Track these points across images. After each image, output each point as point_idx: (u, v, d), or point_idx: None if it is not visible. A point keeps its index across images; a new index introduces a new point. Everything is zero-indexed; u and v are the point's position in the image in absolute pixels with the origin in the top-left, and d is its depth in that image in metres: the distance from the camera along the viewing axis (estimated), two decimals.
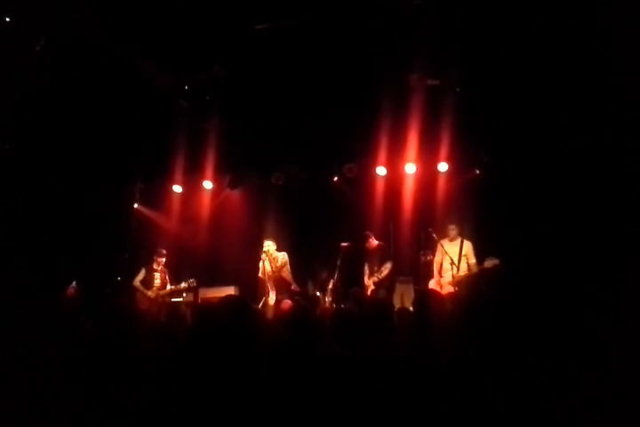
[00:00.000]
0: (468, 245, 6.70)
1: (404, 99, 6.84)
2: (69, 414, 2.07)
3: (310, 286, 7.71)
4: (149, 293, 7.51)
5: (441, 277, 6.77)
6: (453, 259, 6.51)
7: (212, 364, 2.20)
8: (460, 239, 6.72)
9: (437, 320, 2.42)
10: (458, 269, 6.48)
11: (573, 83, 5.84)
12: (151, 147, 7.71)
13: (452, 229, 6.80)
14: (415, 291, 6.93)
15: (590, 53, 5.54)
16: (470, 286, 6.37)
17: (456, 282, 6.49)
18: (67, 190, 7.73)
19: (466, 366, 2.02)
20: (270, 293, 7.07)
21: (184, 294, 7.84)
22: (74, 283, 7.06)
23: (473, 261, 6.59)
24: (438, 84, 6.60)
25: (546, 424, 1.84)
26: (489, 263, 6.32)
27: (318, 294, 7.14)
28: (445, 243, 6.80)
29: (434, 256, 6.98)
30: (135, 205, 8.88)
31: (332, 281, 7.10)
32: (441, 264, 6.81)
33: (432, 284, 6.76)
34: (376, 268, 7.08)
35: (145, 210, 8.90)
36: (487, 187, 7.04)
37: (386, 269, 7.00)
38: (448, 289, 6.45)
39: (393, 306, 3.42)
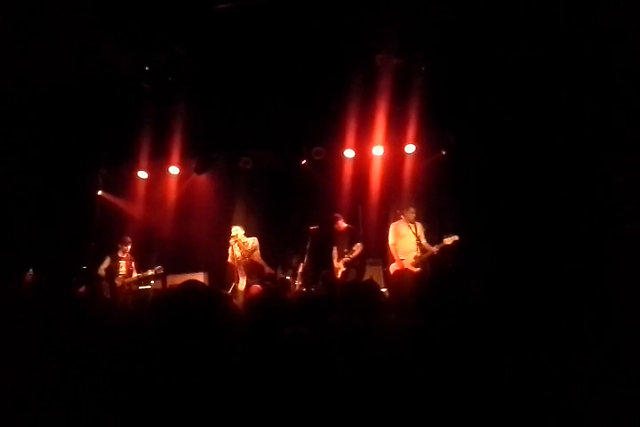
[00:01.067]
0: (420, 227, 6.75)
1: (371, 80, 6.79)
2: (34, 406, 2.01)
3: (280, 270, 7.70)
4: (115, 281, 7.40)
5: (402, 259, 6.81)
6: (412, 240, 6.58)
7: (177, 350, 2.16)
8: (414, 222, 6.74)
9: (409, 298, 2.42)
10: (419, 250, 6.55)
11: (541, 59, 5.86)
12: (114, 132, 7.51)
13: (412, 213, 6.80)
14: (385, 272, 6.99)
15: (555, 28, 5.56)
16: (434, 263, 6.47)
17: (419, 262, 6.56)
18: (28, 177, 7.49)
19: (435, 342, 2.02)
20: (240, 278, 7.04)
21: (152, 282, 7.75)
22: (30, 270, 6.91)
23: (424, 241, 6.65)
24: (404, 63, 6.57)
25: (513, 400, 1.86)
26: (449, 240, 6.44)
27: (288, 278, 7.14)
28: (401, 225, 6.84)
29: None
30: (99, 192, 8.68)
31: (301, 265, 7.11)
32: (396, 246, 6.85)
33: (394, 267, 6.78)
34: (346, 250, 7.11)
35: (109, 197, 8.70)
36: (453, 168, 7.09)
37: (357, 248, 7.03)
38: (413, 269, 6.51)
39: (364, 285, 3.42)
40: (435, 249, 6.53)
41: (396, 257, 6.83)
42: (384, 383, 1.88)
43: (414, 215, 6.80)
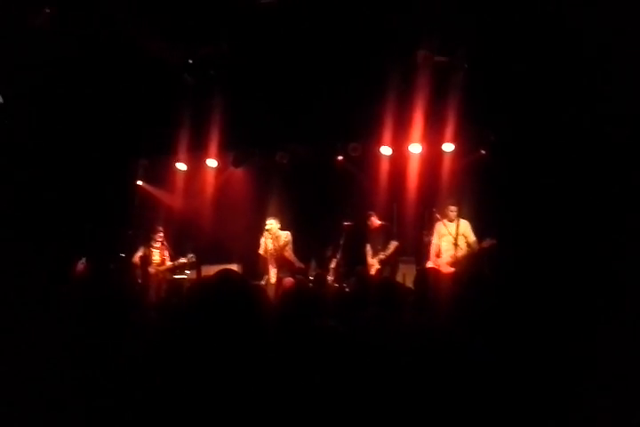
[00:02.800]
0: (465, 224, 6.66)
1: (411, 77, 6.74)
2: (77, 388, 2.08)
3: (313, 265, 7.73)
4: (149, 269, 7.57)
5: (438, 258, 6.75)
6: (450, 240, 6.51)
7: (210, 338, 2.20)
8: (457, 220, 6.67)
9: (436, 298, 2.41)
10: (456, 250, 6.48)
11: (584, 57, 5.72)
12: (155, 123, 7.65)
13: (452, 211, 6.74)
14: (417, 270, 6.94)
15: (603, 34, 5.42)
16: (469, 265, 6.39)
17: (455, 262, 6.50)
18: (72, 168, 7.71)
19: (464, 344, 2.01)
20: (271, 271, 7.10)
21: (187, 272, 7.89)
22: (83, 259, 7.10)
23: (473, 239, 6.58)
24: (446, 61, 6.49)
25: (543, 406, 1.84)
26: (486, 243, 6.36)
27: (321, 272, 7.16)
28: (445, 224, 6.78)
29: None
30: (139, 182, 8.87)
31: (334, 260, 7.13)
32: (439, 245, 6.81)
33: (429, 265, 6.75)
34: (380, 247, 7.10)
35: (148, 187, 8.90)
36: (492, 167, 6.97)
37: (392, 246, 7.01)
38: (447, 269, 6.45)
39: (395, 284, 3.42)
40: (470, 251, 6.45)
41: (432, 256, 6.79)
42: (406, 381, 1.88)
43: (454, 213, 6.72)
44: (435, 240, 6.89)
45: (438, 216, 6.83)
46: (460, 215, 6.74)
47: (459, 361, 1.86)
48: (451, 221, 6.74)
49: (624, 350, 1.94)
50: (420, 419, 1.78)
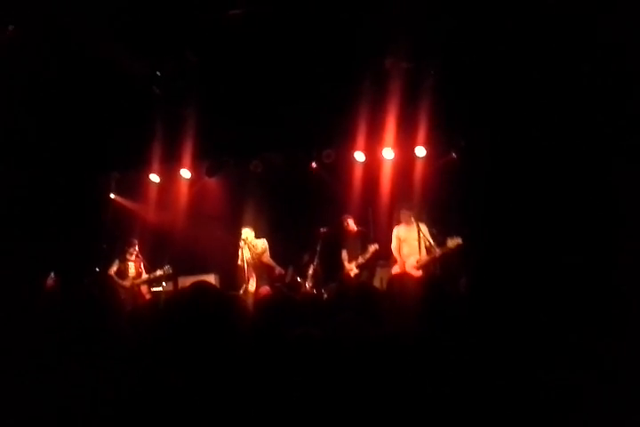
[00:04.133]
0: (423, 228, 6.74)
1: (381, 83, 6.82)
2: (50, 403, 2.06)
3: (290, 272, 7.74)
4: (125, 282, 7.49)
5: (404, 261, 6.81)
6: (414, 244, 6.59)
7: (187, 350, 2.20)
8: (415, 223, 6.73)
9: (406, 303, 2.45)
10: (420, 253, 6.55)
11: (553, 63, 5.85)
12: (126, 136, 7.60)
13: (405, 215, 6.84)
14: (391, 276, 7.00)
15: (570, 36, 5.55)
16: (436, 267, 6.47)
17: (421, 265, 6.57)
18: (43, 182, 7.60)
19: (433, 346, 2.05)
20: (251, 280, 7.09)
21: (164, 284, 7.83)
22: (52, 274, 7.00)
23: (428, 244, 6.64)
24: (413, 67, 6.59)
25: (511, 403, 1.87)
26: (452, 243, 6.39)
27: (299, 279, 7.17)
28: (402, 228, 6.87)
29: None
30: (112, 195, 8.78)
31: (312, 266, 7.15)
32: (399, 251, 6.85)
33: (395, 270, 6.81)
34: (358, 251, 7.14)
35: (122, 200, 8.81)
36: (463, 170, 7.08)
37: (371, 249, 7.05)
38: (415, 273, 6.52)
39: (374, 288, 3.44)
40: (437, 252, 6.52)
41: (398, 260, 6.86)
42: (388, 385, 1.90)
43: (409, 217, 6.80)
44: (394, 244, 6.97)
45: (412, 219, 6.88)
46: (420, 219, 6.80)
47: (430, 364, 1.89)
48: (408, 224, 6.80)
49: (602, 350, 1.98)
50: (399, 422, 1.81)
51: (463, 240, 6.37)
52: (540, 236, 5.69)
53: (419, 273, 6.50)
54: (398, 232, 6.93)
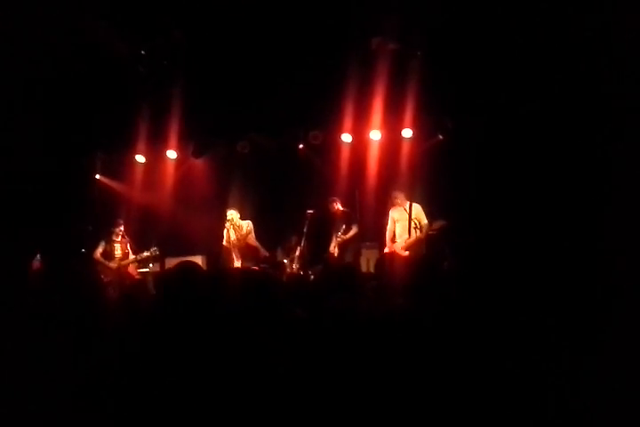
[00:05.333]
0: (417, 208, 6.79)
1: (369, 64, 6.77)
2: (39, 392, 2.07)
3: (279, 254, 7.76)
4: (111, 264, 7.47)
5: (393, 242, 6.88)
6: (405, 225, 6.65)
7: (175, 332, 2.21)
8: (407, 204, 6.78)
9: (394, 282, 2.48)
10: (409, 234, 6.62)
11: (540, 43, 5.84)
12: (112, 116, 7.50)
13: (396, 197, 6.92)
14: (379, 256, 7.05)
15: (560, 14, 5.53)
16: (422, 248, 6.55)
17: (408, 246, 6.63)
18: (26, 163, 7.49)
19: (422, 325, 2.08)
20: (236, 261, 7.12)
21: (150, 265, 7.82)
22: (38, 256, 6.95)
23: (424, 222, 6.71)
24: (400, 48, 6.55)
25: (498, 385, 1.91)
26: (436, 224, 6.51)
27: (285, 261, 7.20)
28: (395, 210, 6.93)
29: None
30: (97, 176, 8.70)
31: (299, 248, 7.18)
32: (393, 230, 6.93)
33: (387, 250, 6.88)
34: (341, 233, 7.19)
35: (107, 181, 8.73)
36: (450, 152, 7.10)
37: (352, 230, 7.07)
38: (402, 253, 6.58)
39: (356, 269, 3.48)
40: (421, 234, 6.58)
41: (387, 242, 6.91)
42: (376, 365, 1.93)
43: (400, 198, 6.88)
44: (389, 225, 7.03)
45: (398, 201, 6.95)
46: (411, 199, 6.86)
47: (418, 343, 1.92)
48: (398, 206, 6.87)
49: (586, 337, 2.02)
50: (390, 401, 1.84)
51: (448, 221, 6.43)
52: (526, 217, 5.75)
53: (405, 254, 6.56)
54: (393, 213, 6.97)
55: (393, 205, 6.99)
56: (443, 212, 6.75)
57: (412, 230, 6.61)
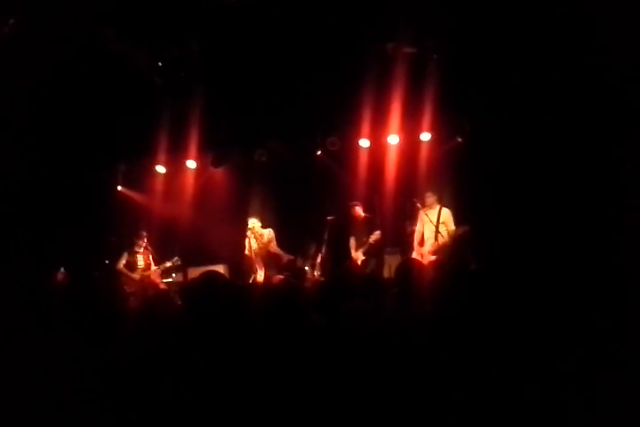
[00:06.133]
0: (445, 213, 6.73)
1: (385, 68, 6.75)
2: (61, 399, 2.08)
3: (300, 262, 7.75)
4: (134, 275, 7.54)
5: (421, 246, 6.81)
6: (432, 228, 6.59)
7: (200, 340, 2.21)
8: (437, 207, 6.72)
9: (418, 288, 2.44)
10: (436, 238, 6.54)
11: (560, 44, 5.76)
12: (131, 128, 7.59)
13: (429, 197, 6.86)
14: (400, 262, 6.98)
15: (580, 14, 5.45)
16: (448, 254, 6.47)
17: (435, 251, 6.56)
18: (49, 176, 7.62)
19: (446, 332, 2.04)
20: (259, 270, 7.12)
21: (173, 275, 7.86)
22: (62, 269, 7.03)
23: (452, 228, 6.64)
24: (415, 51, 6.52)
25: (523, 393, 1.87)
26: (459, 230, 6.45)
27: (307, 268, 7.18)
28: (425, 212, 6.87)
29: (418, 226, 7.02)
30: (119, 188, 8.80)
31: (319, 255, 7.15)
32: (422, 234, 6.87)
33: (413, 255, 6.81)
34: (365, 239, 7.13)
35: (129, 192, 8.83)
36: (469, 154, 7.03)
37: (375, 236, 7.03)
38: (429, 258, 6.51)
39: (377, 275, 3.44)
40: (448, 239, 6.53)
41: (415, 245, 6.86)
42: (396, 370, 1.90)
43: (431, 200, 6.83)
44: (418, 228, 6.97)
45: (419, 205, 6.90)
46: (441, 203, 6.80)
47: (439, 349, 1.88)
48: (429, 208, 6.80)
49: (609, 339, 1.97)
50: (406, 407, 1.81)
51: (471, 226, 6.36)
52: (548, 221, 5.65)
53: (431, 258, 6.49)
54: (420, 216, 6.92)
55: (423, 206, 6.91)
56: (464, 216, 6.67)
57: (439, 235, 6.56)
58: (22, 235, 6.92)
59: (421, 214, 6.92)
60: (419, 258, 6.64)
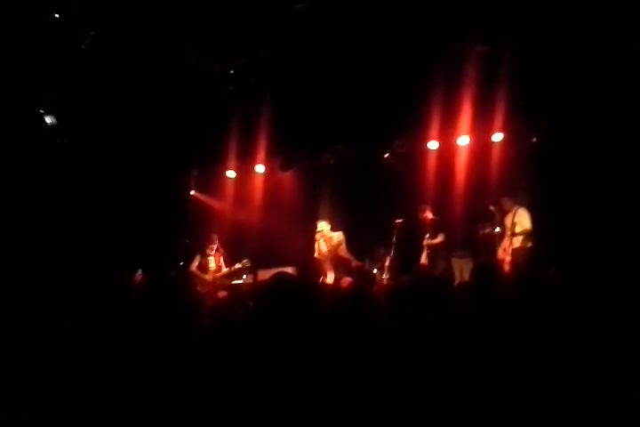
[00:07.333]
0: (521, 212, 6.57)
1: (454, 69, 6.63)
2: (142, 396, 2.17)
3: (368, 265, 7.72)
4: (206, 276, 7.76)
5: (504, 250, 6.67)
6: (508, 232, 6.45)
7: (271, 340, 2.24)
8: (515, 209, 6.56)
9: (495, 292, 2.37)
10: (511, 241, 6.38)
11: (634, 42, 5.47)
12: (204, 134, 7.84)
13: (505, 202, 6.73)
14: (475, 264, 6.83)
15: None
16: (525, 255, 6.28)
17: (511, 253, 6.38)
18: (127, 182, 7.98)
19: (521, 336, 1.98)
20: (328, 273, 7.16)
21: (244, 276, 8.03)
22: (140, 270, 7.32)
23: (527, 227, 6.45)
24: (487, 50, 6.36)
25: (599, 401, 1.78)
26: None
27: (375, 271, 7.15)
28: (506, 217, 6.76)
29: (493, 229, 6.85)
30: (192, 193, 9.11)
31: (388, 258, 7.11)
32: (510, 238, 6.74)
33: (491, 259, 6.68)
34: (427, 238, 7.08)
35: (201, 196, 9.13)
36: (545, 155, 6.77)
37: (439, 238, 6.99)
38: (506, 261, 6.34)
39: (449, 280, 3.38)
40: (527, 242, 6.34)
41: (499, 250, 6.76)
42: (462, 369, 1.86)
43: (509, 204, 6.72)
44: (497, 231, 6.84)
45: (492, 208, 6.75)
46: (518, 205, 6.67)
47: (514, 354, 1.83)
48: (506, 212, 6.63)
49: None
50: (484, 407, 1.77)
51: (551, 228, 6.16)
52: (630, 223, 5.36)
53: (508, 259, 6.34)
54: (505, 221, 6.82)
55: (502, 211, 6.82)
56: (541, 218, 6.45)
57: (514, 238, 6.40)
58: (105, 237, 7.28)
59: (506, 219, 6.80)
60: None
